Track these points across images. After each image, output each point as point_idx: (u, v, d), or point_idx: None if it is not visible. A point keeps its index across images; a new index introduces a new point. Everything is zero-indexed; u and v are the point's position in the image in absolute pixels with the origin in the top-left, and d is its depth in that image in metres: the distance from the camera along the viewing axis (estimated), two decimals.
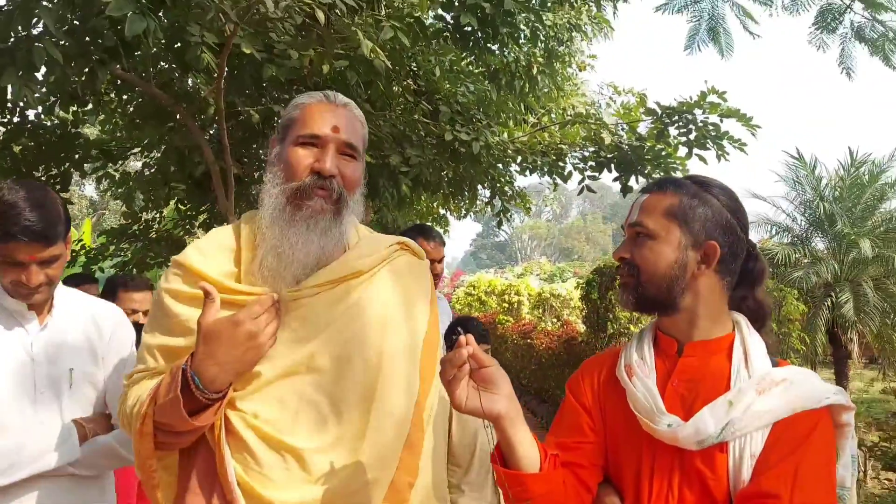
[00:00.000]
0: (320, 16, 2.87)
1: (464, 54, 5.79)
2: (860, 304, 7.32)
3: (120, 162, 6.37)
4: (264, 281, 1.39)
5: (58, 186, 5.73)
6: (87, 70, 3.31)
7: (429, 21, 5.22)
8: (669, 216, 1.32)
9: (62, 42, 3.18)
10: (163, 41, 3.60)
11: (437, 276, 3.44)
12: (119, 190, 6.47)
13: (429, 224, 4.61)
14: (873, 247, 7.46)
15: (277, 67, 4.17)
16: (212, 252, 1.46)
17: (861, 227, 8.00)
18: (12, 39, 3.15)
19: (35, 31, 3.26)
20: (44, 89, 4.07)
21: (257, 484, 1.32)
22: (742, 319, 1.35)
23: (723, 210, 1.34)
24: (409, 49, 4.64)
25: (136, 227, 6.51)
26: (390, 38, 4.09)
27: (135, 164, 7.75)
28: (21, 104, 4.55)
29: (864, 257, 7.50)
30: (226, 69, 4.19)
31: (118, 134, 6.25)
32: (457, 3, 4.62)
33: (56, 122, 5.44)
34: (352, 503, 1.34)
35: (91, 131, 8.60)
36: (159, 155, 6.15)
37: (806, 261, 7.87)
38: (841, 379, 8.24)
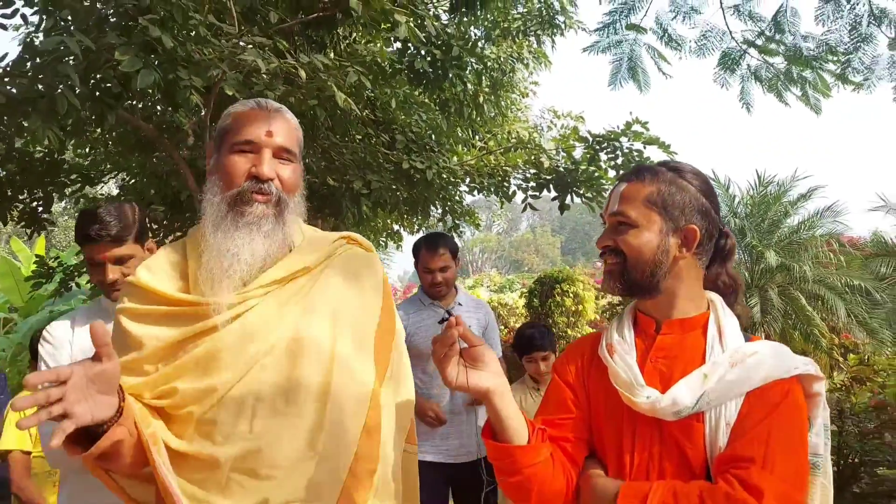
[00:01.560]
0: (302, 74, 3.47)
1: (417, 90, 6.44)
2: (766, 308, 8.23)
3: (100, 184, 6.82)
4: (210, 287, 1.38)
5: (40, 208, 6.19)
6: (98, 113, 3.85)
7: (385, 63, 5.85)
8: (649, 204, 1.36)
9: (78, 90, 3.72)
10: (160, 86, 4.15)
11: (437, 286, 3.45)
12: None
13: (437, 231, 4.87)
14: (778, 257, 8.43)
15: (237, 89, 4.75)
16: (159, 268, 1.47)
17: (768, 240, 8.97)
18: (37, 87, 3.68)
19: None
20: (61, 132, 4.58)
21: (213, 493, 1.31)
22: (717, 298, 1.41)
23: (698, 194, 1.39)
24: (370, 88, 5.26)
25: None
26: (354, 82, 4.74)
27: (109, 187, 8.18)
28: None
29: (770, 267, 8.45)
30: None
31: (98, 159, 6.71)
32: (411, 49, 5.26)
33: (43, 150, 5.87)
34: (312, 495, 1.34)
35: (68, 155, 8.98)
36: (137, 180, 6.62)
37: None
38: None
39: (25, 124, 3.70)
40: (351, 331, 1.46)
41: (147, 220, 2.14)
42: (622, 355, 1.36)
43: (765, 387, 1.25)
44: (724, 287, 1.43)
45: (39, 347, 2.03)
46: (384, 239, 11.87)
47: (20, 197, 5.91)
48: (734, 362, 1.27)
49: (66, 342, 2.02)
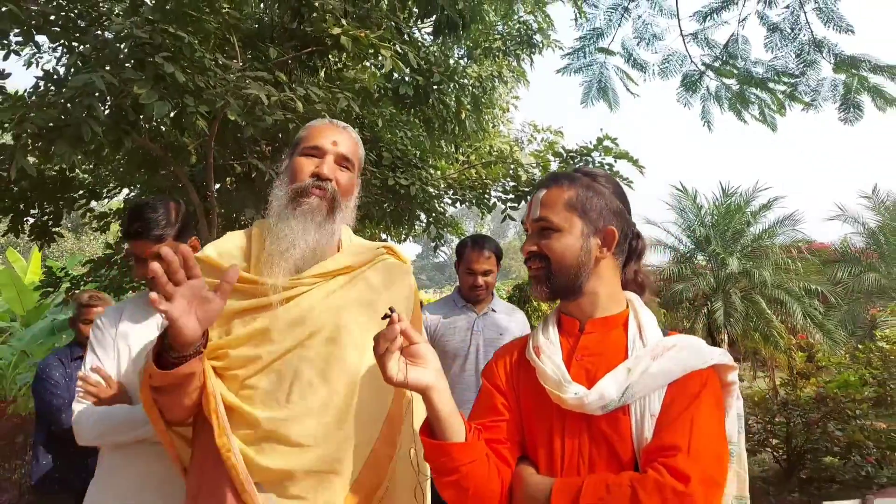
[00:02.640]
0: (299, 106, 3.93)
1: (402, 111, 6.91)
2: (729, 311, 8.74)
3: (106, 199, 7.23)
4: (270, 267, 1.54)
5: (50, 222, 6.61)
6: (116, 139, 4.29)
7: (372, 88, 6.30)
8: (570, 208, 1.39)
9: (100, 119, 4.17)
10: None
11: (477, 289, 3.29)
12: (100, 223, 7.31)
13: (483, 234, 4.88)
14: (740, 264, 8.96)
15: (255, 128, 5.21)
16: (225, 248, 1.63)
17: (732, 247, 9.51)
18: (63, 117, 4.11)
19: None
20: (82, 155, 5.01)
21: (252, 450, 1.46)
22: (634, 297, 1.45)
23: (612, 197, 1.43)
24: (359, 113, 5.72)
25: (117, 256, 7.32)
26: (343, 108, 5.19)
27: (114, 202, 8.57)
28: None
29: (733, 272, 8.98)
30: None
31: (104, 175, 7.11)
32: (395, 76, 5.72)
33: (55, 169, 6.29)
34: (335, 468, 1.46)
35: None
36: (142, 195, 7.02)
37: (689, 276, 9.27)
38: None
39: (52, 149, 4.13)
40: (381, 328, 1.55)
41: (190, 216, 2.26)
42: (549, 355, 1.39)
43: (685, 377, 1.29)
44: (638, 284, 1.48)
45: (90, 332, 2.15)
46: None
47: (32, 211, 6.33)
48: (655, 355, 1.31)
49: (112, 328, 2.14)
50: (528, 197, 8.88)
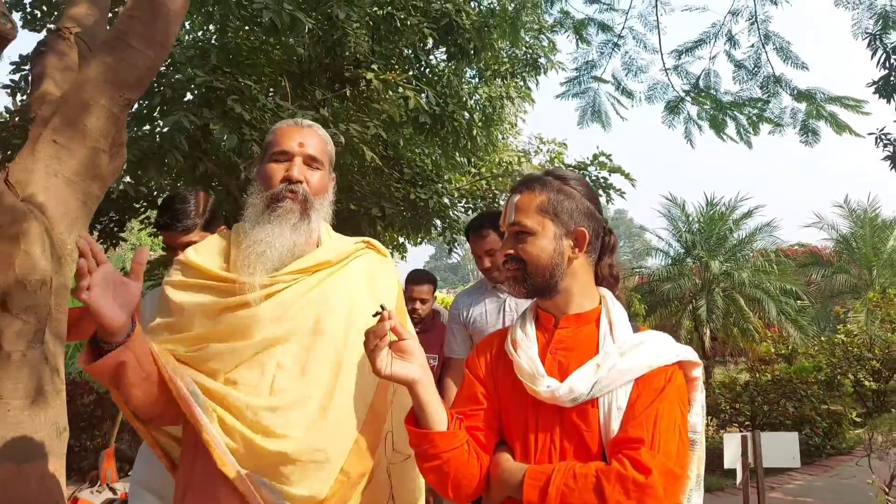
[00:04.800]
0: (342, 140, 4.84)
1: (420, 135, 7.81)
2: (711, 308, 9.57)
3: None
4: (247, 269, 1.52)
5: (115, 228, 7.57)
6: (192, 165, 5.24)
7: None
8: (542, 212, 1.41)
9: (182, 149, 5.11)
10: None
11: (489, 271, 3.10)
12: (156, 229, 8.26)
13: (488, 212, 4.73)
14: (722, 266, 9.83)
15: None
16: (206, 251, 1.62)
17: (716, 251, 10.35)
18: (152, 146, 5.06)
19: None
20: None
21: (237, 437, 1.44)
22: (607, 293, 1.48)
23: (583, 199, 1.45)
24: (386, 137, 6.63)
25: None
26: (374, 135, 6.10)
27: None
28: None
29: (715, 274, 9.82)
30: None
31: (162, 186, 8.07)
32: (414, 106, 6.62)
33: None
34: (319, 458, 1.45)
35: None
36: None
37: (677, 277, 10.11)
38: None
39: (139, 172, 5.07)
40: (363, 322, 1.53)
41: (218, 207, 2.25)
42: (525, 349, 1.41)
43: (650, 373, 1.32)
44: (613, 277, 1.51)
45: None
46: (391, 250, 13.22)
47: (101, 219, 7.28)
48: (623, 352, 1.34)
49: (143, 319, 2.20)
50: None
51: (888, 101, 5.12)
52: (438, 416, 1.35)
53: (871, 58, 5.36)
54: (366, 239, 1.79)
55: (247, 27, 5.66)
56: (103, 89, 2.53)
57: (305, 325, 1.54)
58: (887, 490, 3.81)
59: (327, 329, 1.55)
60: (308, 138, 1.63)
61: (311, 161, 1.62)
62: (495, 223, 3.08)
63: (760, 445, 3.25)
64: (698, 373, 1.40)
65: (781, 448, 3.31)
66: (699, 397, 1.40)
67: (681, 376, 1.36)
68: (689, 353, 1.38)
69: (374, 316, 1.31)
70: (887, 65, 5.20)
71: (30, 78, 3.12)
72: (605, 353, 1.35)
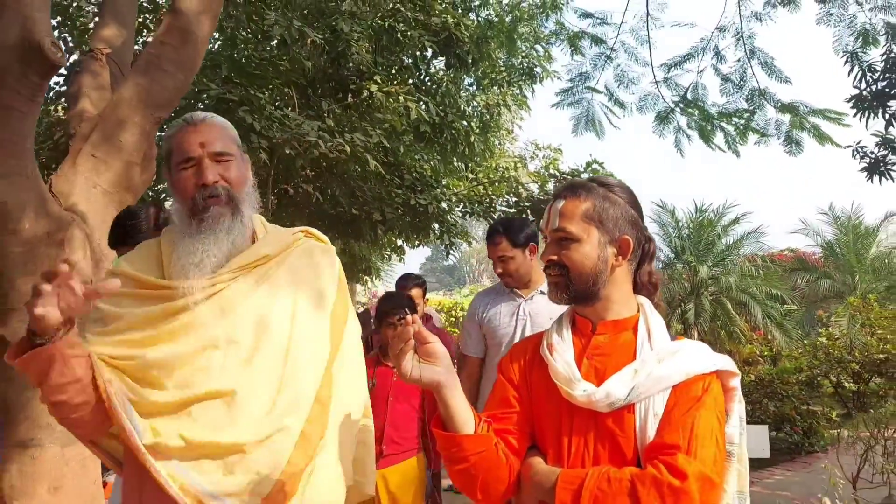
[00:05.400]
0: (347, 149, 5.10)
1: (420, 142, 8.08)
2: (699, 311, 9.85)
3: None
4: (185, 275, 1.47)
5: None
6: None
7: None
8: (587, 219, 1.40)
9: None
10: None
11: (502, 277, 3.12)
12: None
13: (506, 218, 4.96)
14: (710, 271, 10.12)
15: (304, 159, 6.39)
16: (138, 259, 1.58)
17: (704, 256, 10.63)
18: None
19: None
20: None
21: (172, 429, 1.39)
22: (645, 302, 1.46)
23: (627, 207, 1.43)
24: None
25: None
26: (376, 143, 6.36)
27: None
28: None
29: (704, 279, 10.12)
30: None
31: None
32: (414, 116, 6.89)
33: None
34: (267, 447, 1.43)
35: None
36: None
37: (666, 281, 10.38)
38: None
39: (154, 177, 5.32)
40: (308, 312, 1.56)
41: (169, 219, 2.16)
42: (561, 353, 1.40)
43: (688, 381, 1.31)
44: (650, 284, 1.49)
45: None
46: (388, 252, 13.47)
47: None
48: (661, 359, 1.33)
49: None
50: (528, 211, 10.04)
51: (863, 117, 5.38)
52: (465, 418, 1.33)
53: (849, 74, 5.62)
54: (304, 228, 1.76)
55: (257, 40, 5.90)
56: (137, 108, 2.78)
57: (249, 321, 1.51)
58: (851, 480, 4.08)
59: (271, 325, 1.52)
60: (207, 135, 1.52)
61: (218, 157, 1.52)
62: (508, 230, 3.12)
63: None
64: (736, 383, 1.38)
65: (752, 440, 3.54)
66: (737, 408, 1.38)
67: (718, 385, 1.34)
68: (727, 363, 1.37)
69: (399, 321, 1.38)
70: (863, 82, 5.46)
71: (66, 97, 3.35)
72: (642, 360, 1.35)
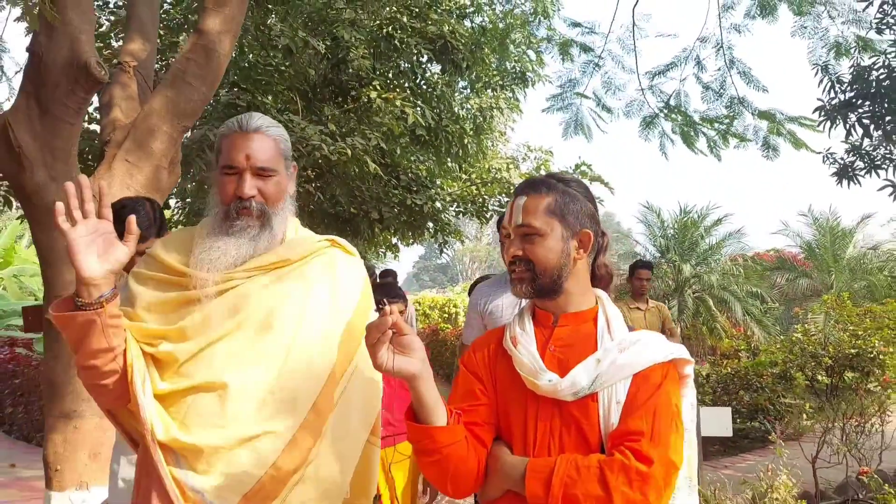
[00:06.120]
0: (349, 152, 5.42)
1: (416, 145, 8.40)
2: (682, 308, 10.22)
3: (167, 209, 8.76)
4: (204, 268, 1.51)
5: None
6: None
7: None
8: (550, 214, 1.42)
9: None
10: None
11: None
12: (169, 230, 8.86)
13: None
14: (693, 270, 10.51)
15: (306, 160, 6.71)
16: (172, 245, 1.61)
17: (688, 256, 11.02)
18: None
19: None
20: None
21: (176, 424, 1.44)
22: (603, 294, 1.51)
23: (585, 201, 1.47)
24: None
25: None
26: (374, 146, 6.68)
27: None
28: None
29: (687, 277, 10.50)
30: None
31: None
32: (411, 122, 7.21)
33: None
34: (252, 447, 1.44)
35: None
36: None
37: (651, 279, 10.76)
38: None
39: None
40: (318, 320, 1.57)
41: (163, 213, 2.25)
42: (525, 345, 1.43)
43: (648, 369, 1.35)
44: (605, 275, 1.54)
45: None
46: (384, 250, 13.78)
47: None
48: (622, 348, 1.37)
49: None
50: None
51: (826, 126, 5.74)
52: (438, 411, 1.34)
53: (818, 85, 5.98)
54: (331, 238, 1.74)
55: (263, 48, 6.22)
56: (165, 118, 3.10)
57: (255, 319, 1.52)
58: (810, 461, 4.44)
59: (276, 325, 1.53)
60: (255, 150, 1.53)
61: (261, 172, 1.54)
62: None
63: (700, 418, 3.83)
64: (689, 370, 1.44)
65: (717, 420, 3.89)
66: (689, 394, 1.43)
67: (675, 373, 1.40)
68: (682, 352, 1.42)
69: (377, 311, 1.31)
70: (833, 92, 5.82)
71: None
72: (605, 349, 1.38)
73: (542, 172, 11.09)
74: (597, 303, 1.48)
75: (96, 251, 1.34)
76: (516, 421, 1.41)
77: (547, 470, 1.29)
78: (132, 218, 1.38)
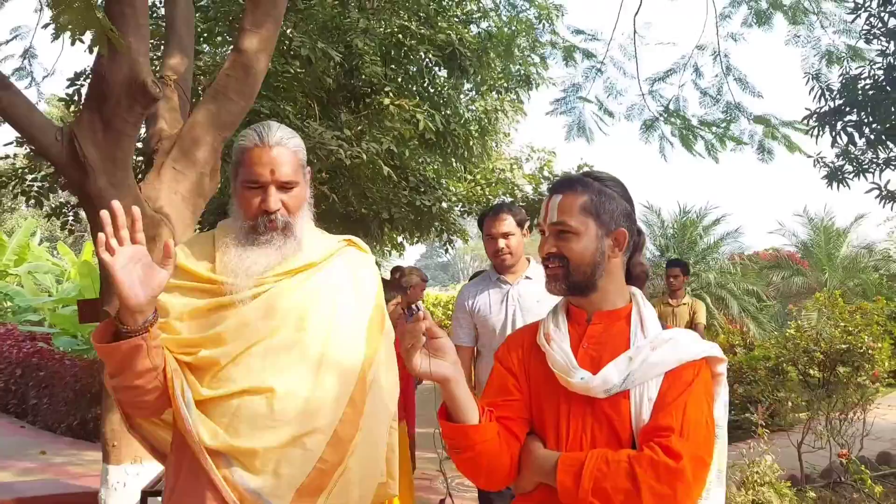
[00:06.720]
0: (364, 157, 5.73)
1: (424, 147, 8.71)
2: None
3: None
4: (234, 275, 1.55)
5: None
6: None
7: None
8: (585, 212, 1.43)
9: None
10: None
11: (500, 253, 3.11)
12: None
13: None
14: (692, 268, 10.87)
15: (325, 164, 7.02)
16: (194, 251, 1.64)
17: (687, 254, 11.33)
18: None
19: None
20: None
21: (222, 428, 1.49)
22: (637, 292, 1.51)
23: (621, 200, 1.48)
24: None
25: None
26: (386, 149, 7.00)
27: None
28: None
29: None
30: None
31: None
32: (422, 127, 7.50)
33: None
34: (301, 446, 1.51)
35: None
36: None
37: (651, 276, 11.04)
38: None
39: None
40: (347, 316, 1.63)
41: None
42: (558, 342, 1.43)
43: (680, 367, 1.35)
44: (640, 274, 1.54)
45: None
46: (388, 248, 14.10)
47: None
48: (654, 346, 1.37)
49: None
50: (524, 211, 10.64)
51: (814, 133, 6.05)
52: (470, 409, 1.37)
53: (809, 93, 6.28)
54: (348, 237, 1.81)
55: (283, 58, 6.52)
56: (208, 129, 3.41)
57: (290, 321, 1.56)
58: (796, 446, 4.76)
59: (310, 326, 1.57)
60: (278, 164, 1.55)
61: (285, 185, 1.57)
62: (511, 209, 3.21)
63: None
64: (722, 369, 1.44)
65: None
66: (722, 392, 1.44)
67: (707, 371, 1.40)
68: (714, 350, 1.42)
69: (409, 315, 1.31)
70: (823, 99, 6.12)
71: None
72: (637, 347, 1.39)
73: (545, 173, 11.47)
74: (631, 301, 1.50)
75: (139, 279, 1.36)
76: (549, 416, 1.44)
77: (578, 464, 1.32)
78: (169, 242, 1.42)
